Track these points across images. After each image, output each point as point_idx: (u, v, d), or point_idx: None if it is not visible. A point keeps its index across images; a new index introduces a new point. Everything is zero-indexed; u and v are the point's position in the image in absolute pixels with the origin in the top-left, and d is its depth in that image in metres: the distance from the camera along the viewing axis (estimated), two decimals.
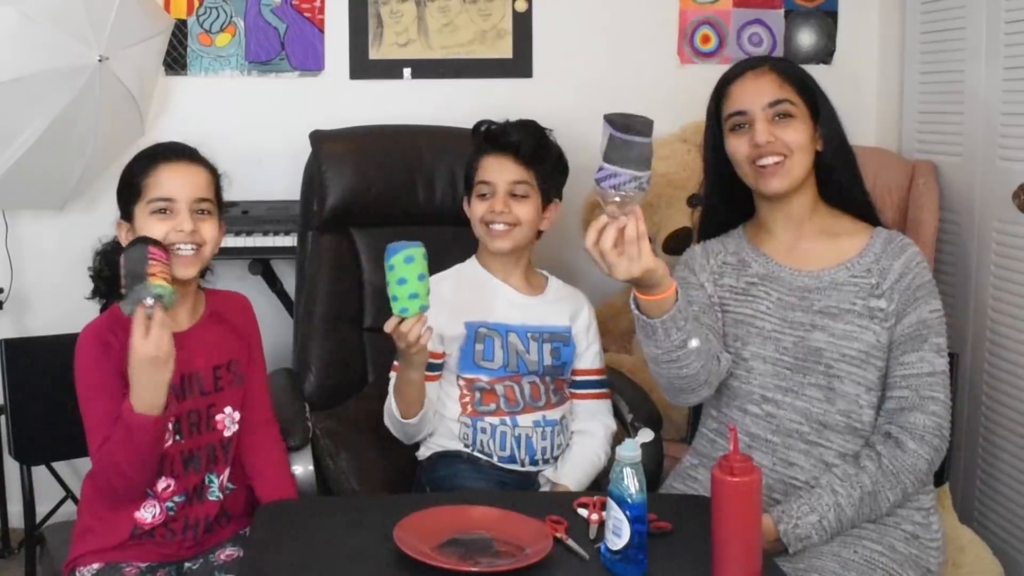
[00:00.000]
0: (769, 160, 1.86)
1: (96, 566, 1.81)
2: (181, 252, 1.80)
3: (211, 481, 1.89)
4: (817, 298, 1.88)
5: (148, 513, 1.84)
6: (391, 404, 2.07)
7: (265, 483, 1.97)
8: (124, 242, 1.84)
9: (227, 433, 1.91)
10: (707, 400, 1.97)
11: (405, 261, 1.84)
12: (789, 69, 1.92)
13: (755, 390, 1.90)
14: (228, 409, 1.91)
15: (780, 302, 1.90)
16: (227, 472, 1.91)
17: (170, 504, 1.85)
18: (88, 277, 2.96)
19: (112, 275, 1.87)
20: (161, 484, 1.84)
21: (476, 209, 2.18)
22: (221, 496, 1.91)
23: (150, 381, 1.68)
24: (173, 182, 1.83)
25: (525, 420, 2.14)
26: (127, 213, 1.86)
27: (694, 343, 1.76)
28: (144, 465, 1.75)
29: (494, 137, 2.20)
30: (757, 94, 1.89)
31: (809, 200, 1.93)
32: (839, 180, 1.93)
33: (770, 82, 1.89)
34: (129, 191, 1.85)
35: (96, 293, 1.94)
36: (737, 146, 1.90)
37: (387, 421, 2.12)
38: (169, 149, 1.88)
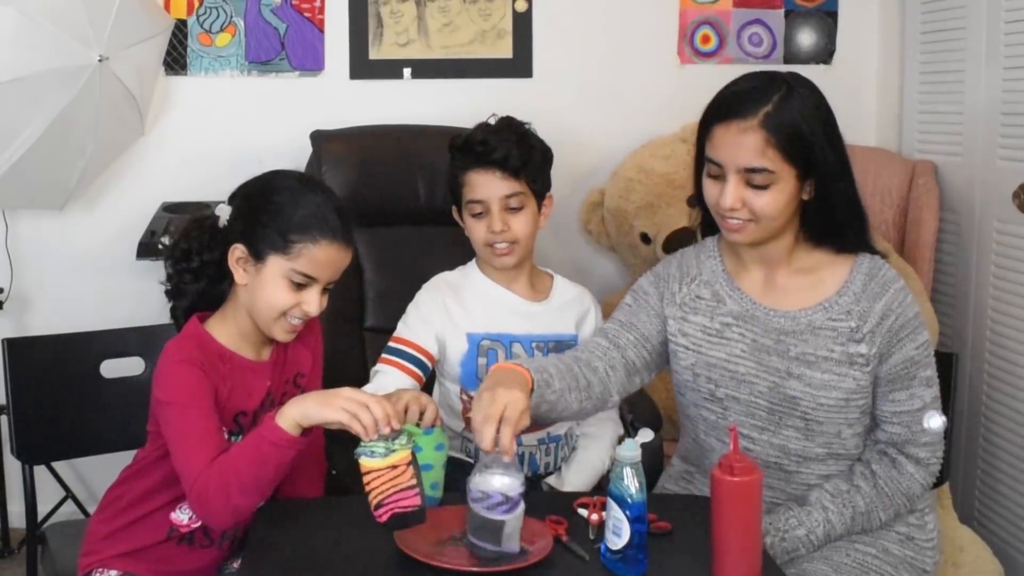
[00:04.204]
0: (735, 218, 1.75)
1: (114, 573, 1.78)
2: (294, 322, 1.74)
3: None
4: (793, 343, 1.78)
5: (184, 515, 1.78)
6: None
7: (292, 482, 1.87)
8: (231, 259, 1.73)
9: None
10: (684, 426, 1.97)
11: (436, 448, 1.74)
12: (781, 128, 1.69)
13: (731, 424, 1.80)
14: None
15: (755, 344, 1.80)
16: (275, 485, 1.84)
17: None
18: (92, 276, 3.00)
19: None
20: None
21: (475, 231, 2.08)
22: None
23: (314, 409, 1.58)
24: (324, 265, 1.72)
25: (529, 439, 2.10)
26: (258, 251, 1.72)
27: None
28: (267, 484, 1.63)
29: (476, 153, 2.05)
30: (735, 152, 1.71)
31: (786, 244, 1.80)
32: (827, 221, 1.79)
33: (753, 143, 1.69)
34: (282, 241, 1.70)
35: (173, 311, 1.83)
36: (709, 191, 1.79)
37: None
38: (337, 230, 1.73)
